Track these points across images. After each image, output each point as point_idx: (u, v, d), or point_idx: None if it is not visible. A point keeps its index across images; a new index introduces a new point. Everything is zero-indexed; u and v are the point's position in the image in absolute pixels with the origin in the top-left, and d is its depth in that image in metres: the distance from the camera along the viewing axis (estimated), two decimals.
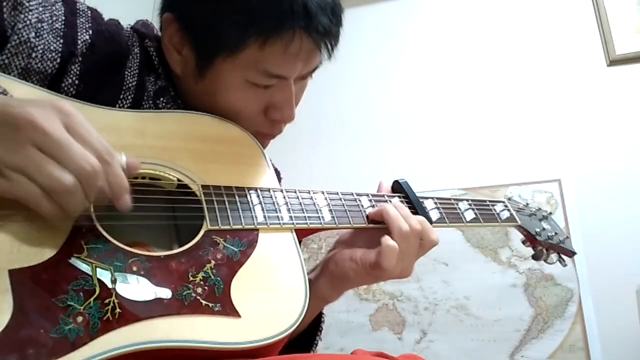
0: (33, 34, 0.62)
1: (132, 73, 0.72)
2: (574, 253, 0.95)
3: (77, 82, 0.65)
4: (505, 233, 1.96)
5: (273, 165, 0.98)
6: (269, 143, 0.83)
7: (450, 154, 2.12)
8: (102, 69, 0.68)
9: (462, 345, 1.89)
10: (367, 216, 0.74)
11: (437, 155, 2.13)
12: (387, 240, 0.68)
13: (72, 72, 0.65)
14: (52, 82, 0.63)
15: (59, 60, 0.63)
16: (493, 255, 1.96)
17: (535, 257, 0.93)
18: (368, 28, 2.37)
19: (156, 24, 0.80)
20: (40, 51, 0.62)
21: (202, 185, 0.63)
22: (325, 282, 0.74)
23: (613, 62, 2.01)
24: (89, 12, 0.71)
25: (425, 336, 1.94)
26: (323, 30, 0.69)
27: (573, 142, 1.98)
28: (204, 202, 0.61)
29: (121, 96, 0.70)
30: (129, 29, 0.77)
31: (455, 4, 2.30)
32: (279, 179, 1.00)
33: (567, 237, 0.96)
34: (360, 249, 0.71)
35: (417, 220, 0.72)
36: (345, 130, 2.29)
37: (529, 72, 2.11)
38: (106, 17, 0.77)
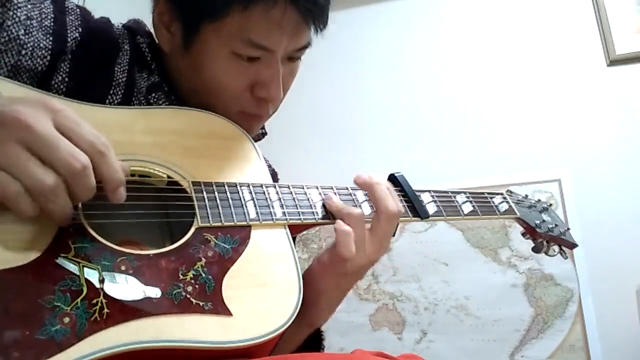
0: (22, 31, 0.61)
1: (122, 69, 0.71)
2: (575, 245, 0.93)
3: (67, 79, 0.64)
4: (505, 233, 1.95)
5: (270, 166, 0.98)
6: (257, 128, 0.81)
7: (450, 154, 2.12)
8: (92, 66, 0.68)
9: (462, 345, 1.89)
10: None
11: (437, 156, 2.13)
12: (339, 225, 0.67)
13: (62, 69, 0.64)
14: (42, 79, 0.63)
15: (49, 57, 0.63)
16: (493, 255, 1.95)
17: (536, 250, 0.91)
18: (366, 27, 2.37)
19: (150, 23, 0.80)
20: (30, 48, 0.61)
21: (193, 182, 0.62)
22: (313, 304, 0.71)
23: (613, 62, 2.01)
24: (78, 10, 0.70)
25: (425, 336, 1.94)
26: (309, 1, 0.68)
27: (573, 142, 1.98)
28: (194, 199, 0.60)
29: (111, 92, 0.69)
30: (119, 27, 0.77)
31: (455, 4, 2.30)
32: (276, 180, 0.99)
33: (568, 228, 0.94)
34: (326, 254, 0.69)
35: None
36: (344, 128, 2.28)
37: (529, 72, 2.11)
38: (104, 15, 0.77)
